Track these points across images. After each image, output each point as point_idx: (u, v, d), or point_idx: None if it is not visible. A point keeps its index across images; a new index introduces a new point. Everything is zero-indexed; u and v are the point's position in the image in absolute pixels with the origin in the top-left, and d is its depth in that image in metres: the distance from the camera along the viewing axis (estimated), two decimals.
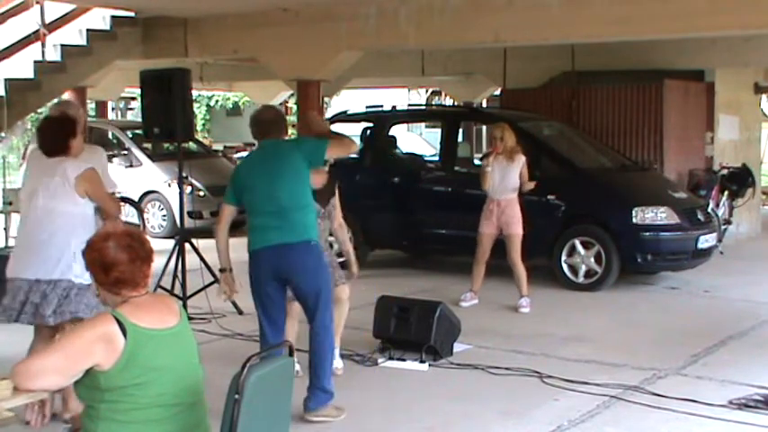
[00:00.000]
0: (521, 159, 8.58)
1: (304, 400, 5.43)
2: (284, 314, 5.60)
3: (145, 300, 3.17)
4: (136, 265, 3.13)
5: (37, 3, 10.04)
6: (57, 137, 5.41)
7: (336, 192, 6.32)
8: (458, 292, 9.04)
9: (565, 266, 9.56)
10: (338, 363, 6.31)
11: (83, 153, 6.15)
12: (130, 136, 14.35)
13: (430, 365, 6.65)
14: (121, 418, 3.03)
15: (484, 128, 20.40)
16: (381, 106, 21.44)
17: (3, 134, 10.46)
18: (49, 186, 5.30)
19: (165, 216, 13.61)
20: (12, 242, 9.65)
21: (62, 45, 10.48)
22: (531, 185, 8.69)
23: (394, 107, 15.49)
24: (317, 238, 5.51)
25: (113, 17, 10.85)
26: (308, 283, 5.41)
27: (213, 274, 8.47)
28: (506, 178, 8.53)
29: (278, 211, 5.32)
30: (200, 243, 8.65)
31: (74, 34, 10.72)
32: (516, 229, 8.52)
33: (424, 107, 21.81)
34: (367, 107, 21.05)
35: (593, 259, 9.48)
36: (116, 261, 3.10)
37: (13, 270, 5.34)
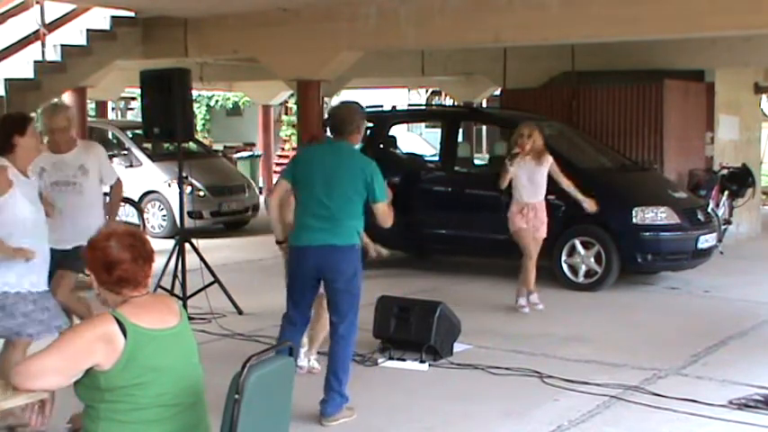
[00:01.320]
0: (548, 160, 8.38)
1: (322, 404, 5.46)
2: (311, 306, 5.73)
3: (145, 300, 3.17)
4: (138, 265, 3.13)
5: (37, 3, 10.04)
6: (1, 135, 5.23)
7: None
8: (458, 292, 9.06)
9: (565, 266, 9.56)
10: (315, 363, 6.37)
11: (76, 149, 6.21)
12: (130, 136, 14.36)
13: (430, 365, 6.65)
14: (122, 419, 3.03)
15: (484, 128, 20.47)
16: (381, 106, 21.44)
17: None
18: None
19: (165, 216, 13.62)
20: None
21: (62, 45, 10.48)
22: (592, 206, 8.57)
23: (394, 107, 15.51)
24: (360, 242, 5.59)
25: (113, 17, 10.84)
26: (342, 287, 5.48)
27: (213, 274, 8.48)
28: (535, 180, 8.30)
29: (330, 217, 5.39)
30: (200, 243, 8.66)
31: (74, 34, 10.71)
32: (544, 233, 8.44)
33: (424, 107, 21.81)
34: (367, 107, 21.04)
35: (593, 259, 9.48)
36: (119, 260, 3.11)
37: None
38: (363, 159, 5.52)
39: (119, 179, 6.56)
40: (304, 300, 5.60)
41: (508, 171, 8.25)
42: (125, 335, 3.00)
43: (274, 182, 5.75)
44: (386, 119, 12.22)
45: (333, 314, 5.59)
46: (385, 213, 5.50)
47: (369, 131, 11.78)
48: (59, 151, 6.23)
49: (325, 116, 5.73)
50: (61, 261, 5.94)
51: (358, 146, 5.79)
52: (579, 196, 8.62)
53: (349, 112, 5.62)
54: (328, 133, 5.79)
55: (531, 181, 8.27)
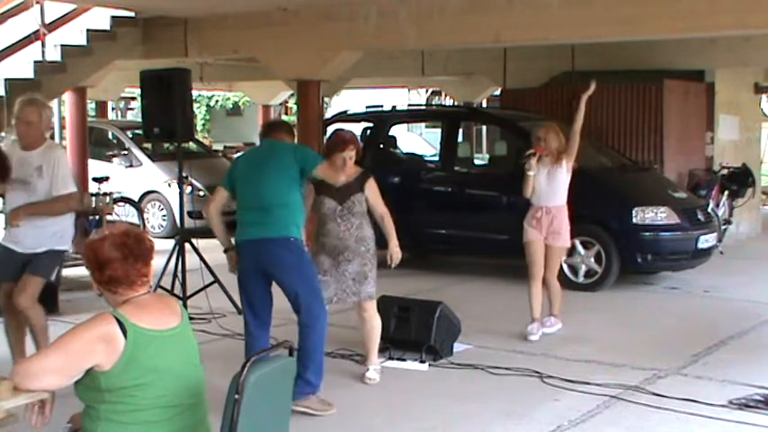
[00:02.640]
0: (568, 161, 7.70)
1: None
2: (270, 310, 5.74)
3: (146, 300, 3.16)
4: (129, 263, 3.12)
5: (37, 3, 10.03)
6: None
7: (367, 186, 6.16)
8: (458, 291, 9.05)
9: (565, 266, 9.54)
10: (373, 374, 6.28)
11: (40, 148, 6.05)
12: (130, 136, 14.36)
13: (430, 365, 6.65)
14: (122, 420, 3.03)
15: (484, 128, 20.46)
16: (381, 106, 21.44)
17: (3, 134, 10.43)
18: None
19: (165, 216, 13.61)
20: None
21: (62, 45, 10.47)
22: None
23: (394, 107, 15.49)
24: (300, 236, 5.63)
25: (113, 17, 10.83)
26: (287, 278, 5.57)
27: (213, 274, 8.48)
28: (554, 182, 7.59)
29: (261, 207, 5.53)
30: (201, 243, 8.65)
31: (74, 34, 10.70)
32: (564, 242, 7.64)
33: (424, 107, 21.80)
34: (367, 107, 21.05)
35: (593, 259, 9.48)
36: (109, 259, 3.11)
37: None
38: (291, 143, 5.84)
39: (72, 194, 6.15)
40: (257, 299, 5.65)
41: (529, 176, 7.58)
42: (125, 335, 3.00)
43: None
44: (386, 119, 12.23)
45: (293, 308, 5.66)
46: (326, 172, 5.65)
47: (369, 131, 11.79)
48: (24, 147, 6.07)
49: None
50: (27, 265, 5.96)
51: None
52: (580, 110, 7.73)
53: (283, 121, 6.13)
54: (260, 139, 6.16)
55: (550, 183, 7.60)
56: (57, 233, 6.06)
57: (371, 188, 6.19)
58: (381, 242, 6.34)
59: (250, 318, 5.71)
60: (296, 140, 6.06)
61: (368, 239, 6.18)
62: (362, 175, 6.19)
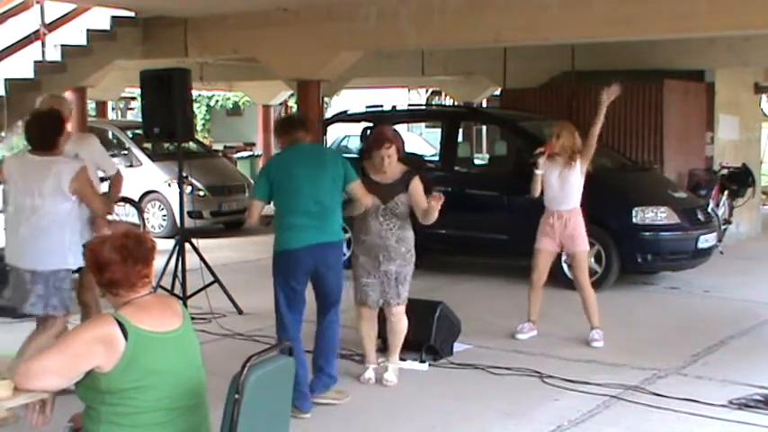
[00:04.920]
0: (582, 164, 7.49)
1: (309, 384, 5.65)
2: (305, 304, 5.77)
3: (148, 301, 3.15)
4: (128, 265, 3.11)
5: (37, 2, 10.03)
6: (45, 133, 5.45)
7: (411, 185, 6.13)
8: (458, 291, 9.05)
9: (565, 266, 9.55)
10: (391, 375, 6.28)
11: (70, 142, 6.06)
12: (130, 136, 14.36)
13: (430, 365, 6.65)
14: (122, 422, 3.02)
15: (484, 128, 20.46)
16: (381, 106, 21.43)
17: (3, 134, 10.44)
18: (42, 189, 5.37)
19: (165, 216, 13.61)
20: None
21: (62, 45, 10.47)
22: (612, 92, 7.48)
23: (394, 107, 15.49)
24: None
25: (113, 17, 10.83)
26: (335, 279, 5.75)
27: (213, 274, 8.49)
28: (566, 185, 7.34)
29: (318, 212, 5.60)
30: (200, 243, 8.66)
31: (74, 34, 10.71)
32: (582, 246, 7.41)
33: (424, 107, 21.80)
34: (367, 107, 21.05)
35: (593, 259, 9.47)
36: (108, 261, 3.10)
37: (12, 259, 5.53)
38: (335, 152, 6.07)
39: (114, 169, 6.53)
40: (297, 298, 5.70)
41: (536, 175, 7.31)
42: (126, 337, 2.99)
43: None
44: (386, 119, 12.21)
45: (323, 306, 5.79)
46: (359, 191, 5.81)
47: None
48: None
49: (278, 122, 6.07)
50: None
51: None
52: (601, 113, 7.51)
53: (298, 120, 6.00)
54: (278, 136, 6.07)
55: (562, 186, 7.33)
56: None
57: (416, 187, 6.11)
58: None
59: (287, 312, 5.65)
60: None
61: (409, 241, 6.15)
62: (407, 174, 6.14)
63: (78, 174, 5.43)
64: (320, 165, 5.68)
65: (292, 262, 5.59)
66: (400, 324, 6.27)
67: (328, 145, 13.05)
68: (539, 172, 7.30)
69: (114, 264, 3.10)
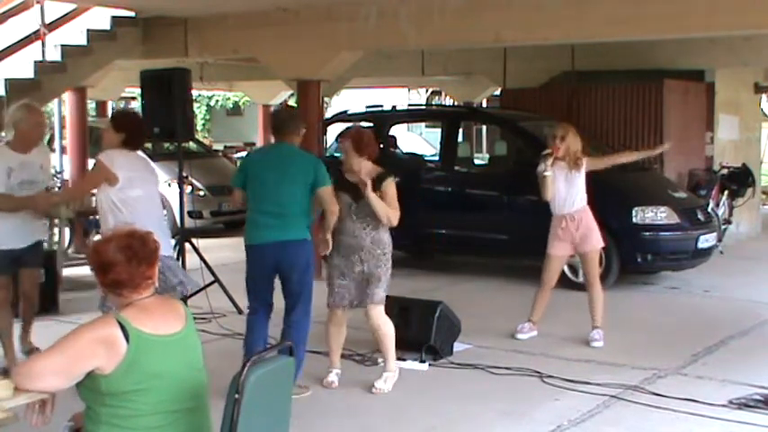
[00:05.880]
0: (585, 165, 7.40)
1: None
2: (272, 298, 6.03)
3: (150, 303, 3.13)
4: (133, 266, 3.08)
5: (37, 2, 10.03)
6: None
7: (385, 186, 6.08)
8: (458, 291, 9.04)
9: (565, 266, 9.55)
10: (380, 384, 6.18)
11: (36, 149, 6.53)
12: None
13: (430, 365, 6.65)
14: (122, 424, 3.02)
15: (484, 128, 20.46)
16: (381, 106, 21.43)
17: (3, 134, 10.44)
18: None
19: (165, 216, 13.58)
20: None
21: (62, 45, 10.47)
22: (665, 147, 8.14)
23: (394, 107, 15.49)
24: (310, 237, 5.98)
25: (113, 17, 10.83)
26: (299, 278, 5.91)
27: (213, 274, 8.49)
28: (572, 188, 7.30)
29: (280, 213, 5.82)
30: (201, 243, 8.66)
31: (74, 34, 10.70)
32: (595, 244, 7.37)
33: (424, 107, 21.80)
34: (367, 107, 21.05)
35: None
36: (113, 262, 3.07)
37: None
38: (311, 157, 6.11)
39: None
40: (267, 292, 5.99)
41: (546, 178, 7.18)
42: (128, 339, 2.98)
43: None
44: (386, 119, 12.22)
45: (289, 304, 5.96)
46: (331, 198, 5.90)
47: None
48: (26, 149, 6.41)
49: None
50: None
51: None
52: (645, 153, 8.31)
53: (290, 119, 6.09)
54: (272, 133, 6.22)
55: (569, 190, 7.28)
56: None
57: (388, 189, 6.06)
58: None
59: (258, 305, 5.99)
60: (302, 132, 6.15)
61: (384, 243, 6.09)
62: (381, 174, 6.08)
63: None
64: (288, 169, 5.85)
65: (254, 256, 5.92)
66: (382, 327, 6.11)
67: (328, 145, 13.02)
68: (548, 174, 7.19)
69: (119, 264, 3.07)
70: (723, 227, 11.63)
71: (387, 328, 6.15)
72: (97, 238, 3.58)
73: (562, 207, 7.32)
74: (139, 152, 6.09)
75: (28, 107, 6.45)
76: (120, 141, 5.89)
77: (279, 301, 6.03)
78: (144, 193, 5.93)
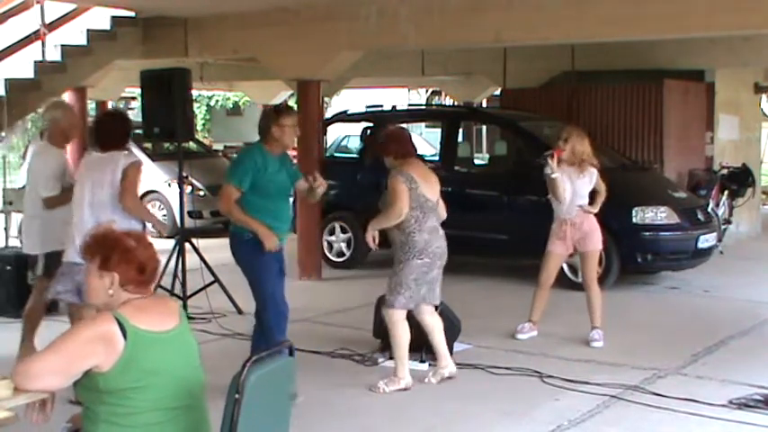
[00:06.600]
0: (593, 173, 7.29)
1: None
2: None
3: (146, 301, 3.15)
4: (156, 264, 3.23)
5: (37, 2, 10.03)
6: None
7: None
8: (458, 291, 9.02)
9: (565, 266, 9.54)
10: (381, 384, 6.14)
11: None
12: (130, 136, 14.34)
13: (430, 365, 6.64)
14: (120, 422, 3.02)
15: (484, 128, 20.47)
16: (381, 106, 21.43)
17: (3, 134, 10.44)
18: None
19: (165, 216, 13.61)
20: (12, 242, 9.66)
21: (62, 45, 10.48)
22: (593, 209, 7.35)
23: (394, 107, 15.50)
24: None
25: (113, 17, 10.84)
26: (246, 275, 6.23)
27: (213, 274, 8.48)
28: (577, 193, 7.22)
29: (285, 208, 6.13)
30: (201, 243, 8.66)
31: (74, 34, 10.71)
32: (595, 245, 7.34)
33: (423, 107, 21.81)
34: (367, 107, 21.06)
35: None
36: (149, 259, 3.17)
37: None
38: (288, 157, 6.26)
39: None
40: (280, 280, 6.14)
41: (554, 180, 7.07)
42: (125, 336, 2.99)
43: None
44: (386, 119, 12.21)
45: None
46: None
47: (369, 131, 11.79)
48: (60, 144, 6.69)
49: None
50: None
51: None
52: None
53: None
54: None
55: (574, 194, 7.20)
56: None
57: (389, 182, 6.25)
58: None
59: (278, 293, 6.06)
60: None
61: (395, 248, 6.25)
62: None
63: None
64: (290, 165, 6.17)
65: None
66: (389, 330, 6.23)
67: (328, 145, 13.02)
68: (555, 175, 7.07)
69: (153, 261, 3.19)
70: (723, 227, 11.63)
71: (393, 332, 6.19)
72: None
73: (566, 213, 7.28)
74: (116, 152, 6.25)
75: (64, 107, 6.77)
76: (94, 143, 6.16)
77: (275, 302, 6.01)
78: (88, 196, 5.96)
